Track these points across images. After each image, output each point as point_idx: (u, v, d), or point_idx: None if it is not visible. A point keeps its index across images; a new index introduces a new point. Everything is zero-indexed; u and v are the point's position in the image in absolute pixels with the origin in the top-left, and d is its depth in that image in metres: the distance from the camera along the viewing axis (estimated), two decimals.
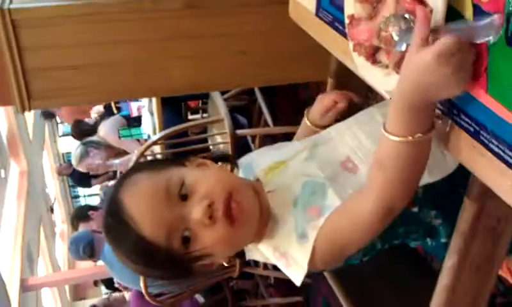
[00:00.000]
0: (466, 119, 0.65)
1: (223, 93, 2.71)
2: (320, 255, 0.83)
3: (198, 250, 0.82)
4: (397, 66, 0.70)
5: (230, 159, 0.99)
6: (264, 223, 0.89)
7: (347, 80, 1.01)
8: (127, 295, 3.75)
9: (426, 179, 0.83)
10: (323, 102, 1.03)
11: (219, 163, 0.94)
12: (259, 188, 0.91)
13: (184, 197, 0.82)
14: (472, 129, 0.64)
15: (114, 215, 0.83)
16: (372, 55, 0.75)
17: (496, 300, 1.61)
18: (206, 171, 0.89)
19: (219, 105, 2.53)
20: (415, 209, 0.88)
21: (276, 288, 3.48)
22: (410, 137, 0.67)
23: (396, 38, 0.68)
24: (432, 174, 0.85)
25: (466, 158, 0.65)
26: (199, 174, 0.86)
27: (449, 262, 0.82)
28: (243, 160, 1.04)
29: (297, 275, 0.85)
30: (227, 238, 0.82)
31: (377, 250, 0.91)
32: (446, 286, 0.83)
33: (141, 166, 0.95)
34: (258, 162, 0.98)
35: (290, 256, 0.86)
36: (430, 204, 0.89)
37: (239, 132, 2.49)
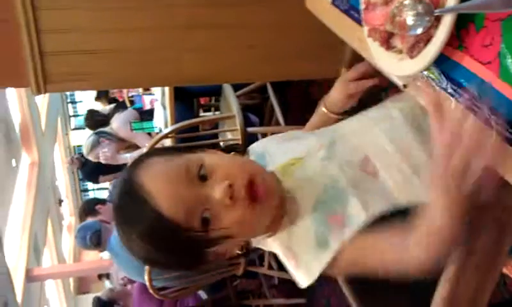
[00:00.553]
0: (476, 102, 0.65)
1: (235, 91, 2.72)
2: (337, 267, 0.83)
3: (217, 231, 0.80)
4: (411, 51, 0.71)
5: (239, 149, 0.98)
6: (279, 216, 0.88)
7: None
8: (129, 287, 3.75)
9: None
10: (347, 89, 1.02)
11: (232, 153, 0.94)
12: (278, 179, 0.91)
13: (203, 178, 0.81)
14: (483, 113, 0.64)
15: (131, 194, 0.81)
16: (387, 41, 0.75)
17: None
18: (225, 155, 0.89)
19: (232, 102, 2.54)
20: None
21: (279, 289, 3.47)
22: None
23: (411, 22, 0.68)
24: None
25: None
26: (218, 157, 0.86)
27: (453, 254, 0.81)
28: (254, 147, 1.04)
29: (304, 279, 0.85)
30: (246, 219, 0.81)
31: None
32: (450, 277, 0.82)
33: (156, 151, 0.94)
34: (272, 153, 0.98)
35: (302, 260, 0.85)
36: None
37: (250, 129, 2.49)
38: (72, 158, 5.60)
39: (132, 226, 0.81)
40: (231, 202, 0.79)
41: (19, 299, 6.13)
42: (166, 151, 0.93)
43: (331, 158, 0.91)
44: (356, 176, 0.87)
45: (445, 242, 0.72)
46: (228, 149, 0.96)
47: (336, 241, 0.81)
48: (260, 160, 0.98)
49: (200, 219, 0.79)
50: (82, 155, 5.13)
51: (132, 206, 0.81)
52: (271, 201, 0.84)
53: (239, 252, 0.90)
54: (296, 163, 0.93)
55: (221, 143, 2.60)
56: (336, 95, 1.04)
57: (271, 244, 0.91)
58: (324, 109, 1.06)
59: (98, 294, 4.02)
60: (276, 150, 0.99)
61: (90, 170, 5.12)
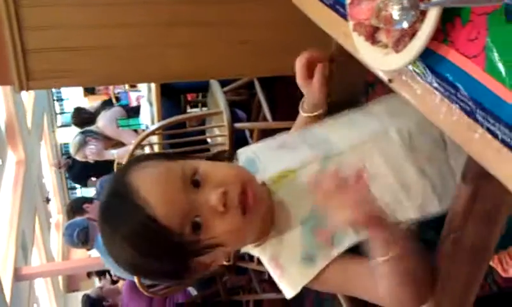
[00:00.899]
0: (462, 98, 0.65)
1: (222, 87, 2.71)
2: (322, 284, 0.85)
3: (207, 238, 0.79)
4: (396, 45, 0.70)
5: (227, 156, 0.98)
6: (267, 227, 0.88)
7: (347, 64, 1.01)
8: (120, 285, 3.75)
9: (436, 208, 0.86)
10: (300, 71, 1.04)
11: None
12: (267, 189, 0.91)
13: (196, 184, 0.81)
14: (467, 107, 0.64)
15: (121, 194, 0.80)
16: (372, 35, 0.75)
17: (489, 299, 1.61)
18: (218, 163, 0.89)
19: (219, 98, 2.53)
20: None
21: (269, 284, 3.48)
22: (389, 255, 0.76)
23: (396, 16, 0.68)
24: (443, 203, 0.86)
25: (461, 138, 0.65)
26: (212, 164, 0.86)
27: (442, 246, 0.82)
28: (243, 152, 1.02)
29: (288, 290, 0.87)
30: (237, 229, 0.81)
31: None
32: (440, 271, 0.83)
33: (148, 156, 0.93)
34: (263, 160, 0.97)
35: (287, 271, 0.86)
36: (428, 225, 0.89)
37: (238, 125, 2.49)
38: (59, 161, 5.57)
39: (118, 227, 0.80)
40: (224, 209, 0.79)
41: (8, 298, 6.08)
42: (158, 156, 0.92)
43: (323, 173, 0.91)
44: None
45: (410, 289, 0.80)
46: (215, 157, 0.95)
47: (322, 259, 0.83)
48: (250, 165, 0.97)
49: (191, 224, 0.79)
50: (69, 157, 5.09)
51: (120, 206, 0.80)
52: (260, 210, 0.84)
53: (225, 263, 0.90)
54: (288, 175, 0.93)
55: (208, 139, 2.58)
56: (309, 102, 1.05)
57: (258, 252, 0.91)
58: (303, 115, 1.06)
59: (88, 292, 4.01)
60: (268, 157, 0.98)
61: (78, 172, 5.10)
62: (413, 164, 0.89)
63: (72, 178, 6.05)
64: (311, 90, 1.02)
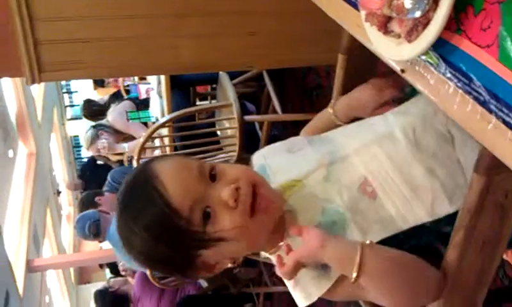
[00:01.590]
0: (476, 88, 0.64)
1: (231, 79, 2.70)
2: (335, 293, 0.85)
3: (215, 231, 0.82)
4: (409, 34, 0.70)
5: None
6: (279, 235, 0.89)
7: (359, 56, 1.00)
8: (130, 279, 3.78)
9: (447, 208, 0.85)
10: (376, 100, 1.01)
11: None
12: (281, 196, 0.93)
13: (213, 178, 0.84)
14: (481, 98, 0.63)
15: (143, 178, 0.84)
16: (384, 25, 0.74)
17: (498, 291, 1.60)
18: (235, 164, 0.92)
19: (228, 90, 2.52)
20: (427, 223, 0.88)
21: (279, 277, 3.48)
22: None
23: (408, 5, 0.67)
24: (454, 203, 0.86)
25: (475, 128, 0.65)
26: (229, 164, 0.91)
27: (455, 239, 0.81)
28: (255, 159, 1.04)
29: (302, 301, 0.87)
30: (244, 227, 0.82)
31: None
32: (452, 261, 0.82)
33: (169, 155, 0.99)
34: (272, 167, 0.99)
35: (301, 281, 0.87)
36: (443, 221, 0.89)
37: (247, 117, 2.48)
38: (74, 184, 5.58)
39: (133, 209, 0.83)
40: (234, 204, 0.81)
41: (20, 289, 6.15)
42: (179, 155, 0.98)
43: (330, 180, 0.92)
44: (355, 199, 0.89)
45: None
46: None
47: (335, 271, 0.84)
48: (261, 172, 0.98)
49: (200, 213, 0.81)
50: (81, 176, 5.09)
51: (138, 191, 0.84)
52: (270, 213, 0.85)
53: (231, 265, 0.91)
54: (296, 185, 0.94)
55: (218, 132, 2.58)
56: (352, 108, 1.04)
57: (271, 258, 0.92)
58: (332, 116, 1.06)
59: (98, 287, 4.07)
60: (277, 164, 1.00)
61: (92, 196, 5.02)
62: (421, 164, 0.88)
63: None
64: (366, 112, 1.02)
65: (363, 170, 0.91)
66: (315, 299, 0.86)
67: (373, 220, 0.86)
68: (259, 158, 1.03)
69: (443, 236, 0.88)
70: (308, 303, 0.86)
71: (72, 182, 5.91)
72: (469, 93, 0.65)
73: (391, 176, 0.89)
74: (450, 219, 0.85)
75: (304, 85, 3.01)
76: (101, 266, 8.15)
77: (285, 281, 0.90)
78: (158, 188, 0.81)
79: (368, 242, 0.81)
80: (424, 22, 0.67)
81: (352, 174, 0.91)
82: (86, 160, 4.69)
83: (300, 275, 0.86)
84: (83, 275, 11.43)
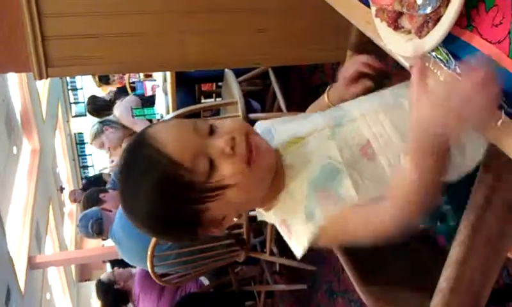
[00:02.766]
0: None
1: (237, 77, 2.71)
2: (323, 238, 0.87)
3: (217, 178, 0.83)
4: (420, 31, 0.70)
5: None
6: (276, 191, 0.91)
7: (367, 53, 1.01)
8: (133, 270, 3.76)
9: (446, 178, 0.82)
10: (348, 73, 1.03)
11: None
12: (278, 153, 0.93)
13: (211, 133, 0.86)
14: None
15: (141, 146, 0.85)
16: (395, 21, 0.75)
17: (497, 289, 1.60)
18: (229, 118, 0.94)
19: (234, 88, 2.52)
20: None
21: (281, 275, 3.49)
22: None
23: (420, 1, 0.68)
24: (449, 174, 0.83)
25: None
26: (223, 119, 0.92)
27: (461, 236, 0.81)
28: (261, 123, 1.05)
29: (297, 249, 0.89)
30: (244, 174, 0.84)
31: None
32: (456, 259, 0.82)
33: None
34: (278, 129, 0.99)
35: (293, 231, 0.89)
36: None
37: (252, 115, 2.48)
38: (75, 197, 5.55)
39: (143, 178, 0.83)
40: (232, 152, 0.83)
41: (22, 286, 6.16)
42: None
43: (333, 139, 0.93)
44: (354, 158, 0.90)
45: (416, 201, 0.75)
46: None
47: (323, 215, 0.85)
48: (267, 134, 0.99)
49: (207, 161, 0.83)
50: (83, 188, 5.05)
51: (139, 153, 0.85)
52: (264, 162, 0.87)
53: (235, 219, 0.92)
54: (299, 141, 0.95)
55: None
56: (337, 93, 1.06)
57: (269, 216, 0.95)
58: (326, 100, 1.07)
59: (101, 277, 4.03)
60: (283, 126, 1.01)
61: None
62: None
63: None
64: (346, 91, 1.04)
65: (367, 133, 0.92)
66: (306, 244, 0.87)
67: (368, 178, 0.88)
68: (265, 123, 1.05)
69: (440, 216, 0.92)
70: (303, 250, 0.88)
71: (73, 193, 5.87)
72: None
73: (393, 141, 0.90)
74: (451, 199, 0.88)
75: (310, 83, 3.02)
76: (104, 261, 8.14)
77: (283, 234, 0.92)
78: (157, 147, 0.82)
79: None
80: (435, 18, 0.67)
81: (355, 136, 0.92)
82: (94, 175, 4.63)
83: (292, 224, 0.89)
84: (84, 273, 11.44)
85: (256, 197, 0.91)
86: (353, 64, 1.04)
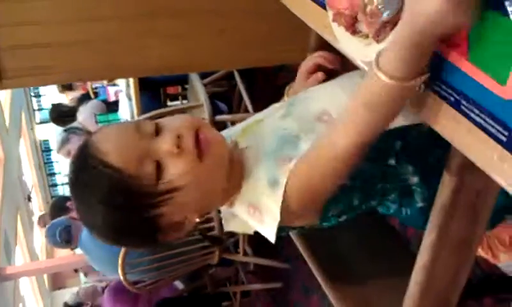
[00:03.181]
0: (446, 88, 0.63)
1: (202, 79, 2.68)
2: (293, 198, 0.81)
3: (167, 182, 0.80)
4: (377, 35, 0.68)
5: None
6: (238, 181, 0.88)
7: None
8: (99, 286, 3.70)
9: (401, 121, 0.81)
10: (306, 67, 1.03)
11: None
12: (232, 146, 0.91)
13: (156, 133, 0.83)
14: (452, 98, 0.63)
15: (81, 155, 0.82)
16: (352, 25, 0.73)
17: (473, 283, 1.61)
18: (177, 115, 0.89)
19: (199, 91, 2.50)
20: (392, 161, 0.86)
21: (255, 275, 3.48)
22: (412, 81, 0.62)
23: (382, 8, 0.66)
24: (408, 118, 0.82)
25: (446, 128, 0.64)
26: (170, 117, 0.87)
27: (428, 239, 0.81)
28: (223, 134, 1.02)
29: (270, 228, 0.83)
30: (195, 171, 0.81)
31: (355, 209, 0.89)
32: (425, 263, 0.82)
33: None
34: (236, 129, 0.99)
35: (263, 208, 0.84)
36: (407, 159, 0.87)
37: (219, 117, 2.46)
38: (44, 221, 5.43)
39: (91, 191, 0.81)
40: (179, 151, 0.80)
41: None
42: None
43: (288, 115, 0.92)
44: (311, 124, 0.88)
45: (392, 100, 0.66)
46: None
47: (284, 173, 0.81)
48: (226, 136, 0.96)
49: (149, 167, 0.79)
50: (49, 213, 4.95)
51: (82, 164, 0.82)
52: (217, 153, 0.84)
53: (198, 220, 0.88)
54: (254, 125, 0.95)
55: None
56: (298, 89, 1.04)
57: (236, 210, 0.90)
58: (286, 99, 1.06)
59: (66, 299, 3.97)
60: (240, 124, 1.01)
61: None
62: None
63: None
64: (304, 85, 1.03)
65: (321, 104, 0.91)
66: (277, 215, 0.80)
67: None
68: (227, 132, 1.02)
69: (407, 191, 0.88)
70: (276, 226, 0.81)
71: (42, 218, 5.75)
72: (439, 93, 0.64)
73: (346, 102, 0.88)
74: (419, 171, 0.85)
75: (276, 82, 3.00)
76: (76, 271, 8.01)
77: (253, 222, 0.86)
78: (100, 158, 0.79)
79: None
80: (393, 22, 0.66)
81: (310, 107, 0.92)
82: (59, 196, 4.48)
83: (259, 202, 0.84)
84: (57, 281, 11.23)
85: (213, 191, 0.87)
86: (311, 58, 1.04)
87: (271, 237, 0.83)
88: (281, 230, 0.85)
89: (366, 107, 0.69)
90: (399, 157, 0.87)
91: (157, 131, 0.83)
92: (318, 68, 1.03)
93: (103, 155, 0.79)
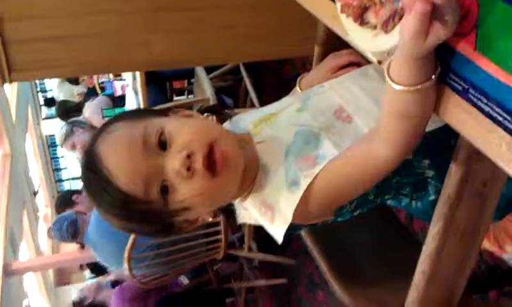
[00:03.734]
0: (454, 77, 0.63)
1: (208, 73, 2.68)
2: (314, 202, 0.79)
3: (177, 203, 0.78)
4: (385, 25, 0.69)
5: (217, 110, 0.95)
6: (252, 177, 0.85)
7: (335, 47, 1.00)
8: (103, 281, 3.72)
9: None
10: (336, 61, 1.00)
11: (205, 114, 0.89)
12: (246, 140, 0.88)
13: (163, 146, 0.78)
14: (459, 87, 0.63)
15: (90, 166, 0.80)
16: (360, 16, 0.73)
17: (477, 278, 1.62)
18: (189, 120, 0.84)
19: (205, 85, 2.51)
20: (409, 156, 0.84)
21: (260, 270, 3.49)
22: (424, 84, 0.64)
23: None
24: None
25: (454, 117, 0.64)
26: (180, 123, 0.81)
27: (435, 229, 0.81)
28: (230, 121, 1.00)
29: (279, 229, 0.81)
30: (207, 191, 0.78)
31: (369, 203, 0.89)
32: (431, 252, 0.82)
33: (120, 115, 0.87)
34: (246, 119, 0.95)
35: (277, 208, 0.82)
36: (423, 153, 0.87)
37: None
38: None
39: (99, 200, 0.80)
40: (188, 174, 0.76)
41: None
42: (130, 114, 0.88)
43: (304, 109, 0.90)
44: (330, 121, 0.86)
45: (410, 118, 0.68)
46: (203, 110, 0.92)
47: (307, 178, 0.79)
48: (235, 126, 0.94)
49: (158, 189, 0.77)
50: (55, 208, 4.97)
51: (95, 180, 0.80)
52: (232, 169, 0.80)
53: (211, 219, 0.87)
54: (270, 118, 0.91)
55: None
56: (313, 81, 1.01)
57: (248, 205, 0.88)
58: (299, 91, 1.04)
59: (73, 299, 4.01)
60: (252, 114, 0.97)
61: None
62: None
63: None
64: (327, 78, 1.00)
65: (338, 99, 0.90)
66: (290, 217, 0.78)
67: (349, 138, 0.82)
68: (234, 118, 0.98)
69: (422, 184, 0.89)
70: (285, 227, 0.79)
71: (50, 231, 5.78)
72: (447, 83, 0.65)
73: (365, 102, 0.88)
74: (434, 164, 0.86)
75: (281, 76, 3.01)
76: (82, 267, 8.04)
77: (264, 221, 0.84)
78: (106, 176, 0.77)
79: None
80: (401, 12, 0.66)
81: (327, 102, 0.90)
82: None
83: (274, 202, 0.82)
84: (62, 277, 11.27)
85: (226, 200, 0.87)
86: (341, 54, 1.01)
87: (279, 238, 0.81)
88: (295, 228, 0.84)
89: (404, 121, 0.69)
90: (415, 151, 0.84)
91: (166, 142, 0.78)
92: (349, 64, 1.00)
93: (110, 176, 0.77)
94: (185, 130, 0.79)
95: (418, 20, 0.58)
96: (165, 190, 0.78)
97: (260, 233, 0.91)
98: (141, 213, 0.79)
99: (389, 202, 0.95)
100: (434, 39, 0.60)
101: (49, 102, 3.80)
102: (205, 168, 0.76)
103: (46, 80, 11.01)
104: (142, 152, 0.77)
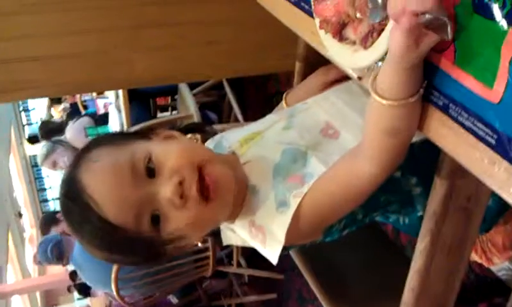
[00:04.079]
0: (434, 93, 0.63)
1: (192, 89, 2.67)
2: (301, 223, 0.77)
3: (170, 232, 0.75)
4: (364, 42, 0.68)
5: (200, 128, 0.93)
6: (240, 199, 0.83)
7: (316, 63, 0.99)
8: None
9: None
10: (330, 76, 0.99)
11: (189, 135, 0.87)
12: (234, 161, 0.86)
13: (151, 174, 0.75)
14: (440, 103, 0.62)
15: (72, 196, 0.75)
16: (339, 32, 0.73)
17: (467, 289, 1.61)
18: (174, 143, 0.81)
19: (188, 101, 2.50)
20: (398, 174, 0.84)
21: (250, 286, 3.46)
22: (413, 98, 0.63)
23: (370, 5, 0.66)
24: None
25: (435, 133, 0.64)
26: (167, 148, 0.78)
27: (422, 244, 0.80)
28: (212, 140, 0.98)
29: (273, 251, 0.79)
30: (201, 218, 0.76)
31: (358, 222, 0.88)
32: (419, 269, 0.81)
33: (100, 140, 0.82)
34: (230, 137, 0.93)
35: (267, 229, 0.80)
36: (411, 170, 0.86)
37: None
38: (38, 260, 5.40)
39: (81, 230, 0.76)
40: (181, 202, 0.73)
41: None
42: (111, 139, 0.82)
43: (290, 127, 0.89)
44: (316, 140, 0.85)
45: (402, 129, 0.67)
46: (185, 129, 0.90)
47: (296, 198, 0.77)
48: (219, 147, 0.93)
49: (149, 220, 0.74)
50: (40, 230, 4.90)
51: (76, 209, 0.75)
52: (224, 193, 0.78)
53: (199, 244, 0.85)
54: (255, 137, 0.90)
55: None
56: (301, 96, 1.00)
57: (236, 227, 0.85)
58: (285, 106, 1.03)
59: None
60: (235, 133, 0.95)
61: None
62: None
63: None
64: (318, 93, 0.99)
65: (324, 116, 0.89)
66: (282, 239, 0.76)
67: (336, 154, 0.80)
68: (216, 137, 0.96)
69: (409, 201, 0.88)
70: (279, 249, 0.77)
71: (36, 258, 5.68)
72: (427, 98, 0.64)
73: (351, 116, 0.86)
74: (422, 181, 0.85)
75: (265, 92, 3.01)
76: (69, 289, 7.92)
77: (255, 243, 0.82)
78: (90, 206, 0.72)
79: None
80: (379, 28, 0.66)
81: (313, 119, 0.89)
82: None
83: (264, 223, 0.80)
84: (50, 299, 11.09)
85: (218, 224, 0.85)
86: (333, 68, 0.99)
87: (274, 260, 0.79)
88: (284, 250, 0.81)
89: (390, 137, 0.67)
90: (403, 170, 0.84)
91: (154, 167, 0.74)
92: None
93: (95, 205, 0.72)
94: (173, 155, 0.76)
95: (406, 36, 0.57)
96: (156, 219, 0.74)
97: (248, 248, 0.89)
98: (128, 243, 0.74)
99: (377, 218, 0.94)
100: (426, 46, 0.59)
101: (32, 140, 3.70)
102: (199, 194, 0.74)
103: (29, 100, 10.92)
104: (130, 181, 0.73)
